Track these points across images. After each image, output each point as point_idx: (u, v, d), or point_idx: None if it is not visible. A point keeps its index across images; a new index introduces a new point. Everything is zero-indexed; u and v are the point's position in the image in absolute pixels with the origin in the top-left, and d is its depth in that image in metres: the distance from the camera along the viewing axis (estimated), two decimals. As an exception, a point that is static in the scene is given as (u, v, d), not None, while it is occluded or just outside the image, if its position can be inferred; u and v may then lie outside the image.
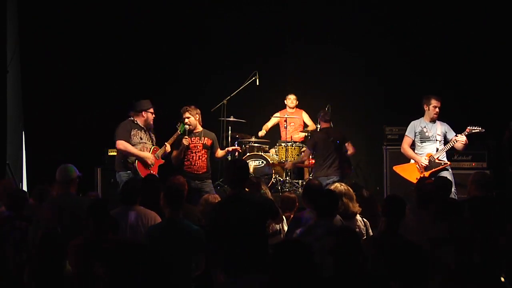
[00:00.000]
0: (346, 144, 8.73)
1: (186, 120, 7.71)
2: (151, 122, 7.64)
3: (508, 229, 5.06)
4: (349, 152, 8.81)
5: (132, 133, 7.46)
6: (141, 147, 7.47)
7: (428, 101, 7.78)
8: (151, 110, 7.61)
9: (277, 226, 5.84)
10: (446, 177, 6.88)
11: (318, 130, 9.15)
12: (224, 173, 5.28)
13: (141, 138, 7.52)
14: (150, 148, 7.55)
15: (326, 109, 9.77)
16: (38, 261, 4.62)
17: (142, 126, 7.55)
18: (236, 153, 8.17)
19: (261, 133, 10.19)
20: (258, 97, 10.12)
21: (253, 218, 4.73)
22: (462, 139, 7.58)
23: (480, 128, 7.61)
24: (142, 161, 7.43)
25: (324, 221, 4.80)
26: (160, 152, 7.61)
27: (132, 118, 7.56)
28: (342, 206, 5.51)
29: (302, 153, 9.30)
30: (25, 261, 4.91)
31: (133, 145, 7.42)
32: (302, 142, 9.92)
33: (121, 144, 7.39)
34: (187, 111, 7.74)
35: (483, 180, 5.91)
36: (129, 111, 7.64)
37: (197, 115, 7.77)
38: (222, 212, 4.82)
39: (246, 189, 5.20)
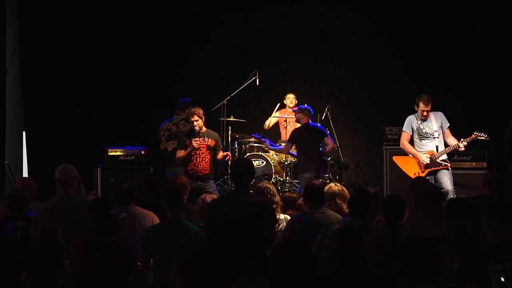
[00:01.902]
0: (325, 139, 8.67)
1: (195, 123, 7.67)
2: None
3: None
4: (327, 148, 8.72)
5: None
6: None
7: (417, 103, 7.76)
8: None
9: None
10: (441, 188, 6.93)
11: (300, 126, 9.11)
12: (230, 170, 5.19)
13: None
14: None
15: (327, 109, 9.79)
16: (37, 261, 4.62)
17: None
18: (227, 158, 8.05)
19: (266, 126, 10.21)
20: (258, 97, 10.12)
21: (248, 218, 4.70)
22: (462, 145, 7.57)
23: (486, 136, 7.58)
24: None
25: (358, 220, 4.80)
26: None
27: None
28: (335, 206, 5.53)
29: (283, 144, 9.27)
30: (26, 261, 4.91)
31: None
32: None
33: (178, 153, 7.88)
34: (195, 114, 7.69)
35: (491, 179, 5.94)
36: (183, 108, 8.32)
37: (203, 116, 7.77)
38: (219, 210, 4.81)
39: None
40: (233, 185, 4.97)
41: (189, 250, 3.51)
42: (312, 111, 8.81)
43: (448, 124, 7.77)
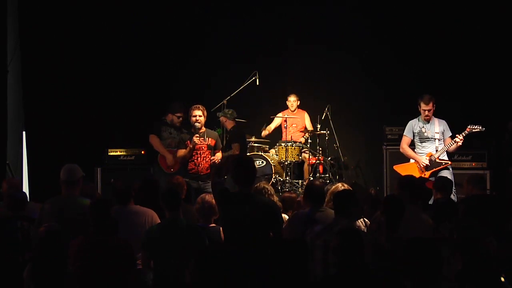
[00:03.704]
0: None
1: (198, 118, 7.64)
2: (177, 124, 8.17)
3: (509, 229, 5.07)
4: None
5: (162, 128, 8.23)
6: (170, 141, 8.15)
7: (419, 103, 7.80)
8: (177, 114, 8.11)
9: None
10: (446, 177, 6.87)
11: (236, 128, 9.06)
12: (232, 170, 4.93)
13: (170, 133, 8.23)
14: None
15: (327, 109, 9.78)
16: (39, 261, 4.62)
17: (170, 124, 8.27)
18: (214, 160, 7.92)
19: (264, 133, 10.17)
20: (258, 97, 10.12)
21: (259, 219, 4.71)
22: (459, 140, 7.56)
23: (480, 127, 7.60)
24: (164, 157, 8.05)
25: (343, 220, 4.77)
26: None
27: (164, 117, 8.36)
28: None
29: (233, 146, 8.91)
30: (28, 261, 4.91)
31: (163, 139, 8.14)
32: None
33: (151, 138, 8.23)
34: (198, 109, 7.66)
35: (478, 178, 5.97)
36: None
37: (205, 116, 7.76)
38: (229, 210, 4.81)
39: None
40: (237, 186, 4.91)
41: (205, 248, 3.52)
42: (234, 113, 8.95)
43: (450, 134, 7.76)
